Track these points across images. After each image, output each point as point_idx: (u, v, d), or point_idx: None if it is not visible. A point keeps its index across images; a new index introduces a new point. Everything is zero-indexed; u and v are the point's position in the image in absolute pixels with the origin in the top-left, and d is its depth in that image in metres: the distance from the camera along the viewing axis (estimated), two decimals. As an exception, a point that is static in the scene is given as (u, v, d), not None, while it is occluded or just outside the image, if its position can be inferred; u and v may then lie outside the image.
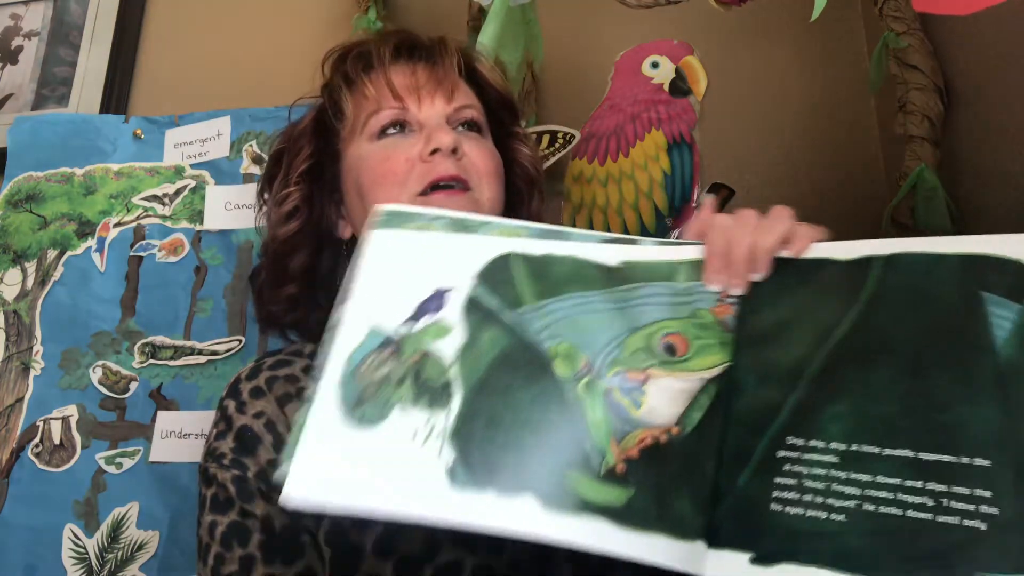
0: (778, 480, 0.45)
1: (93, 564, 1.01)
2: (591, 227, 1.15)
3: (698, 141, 1.17)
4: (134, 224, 1.18)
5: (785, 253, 0.52)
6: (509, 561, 0.56)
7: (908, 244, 0.49)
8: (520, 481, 0.45)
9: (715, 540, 0.45)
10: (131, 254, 1.17)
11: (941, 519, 0.40)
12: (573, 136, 1.19)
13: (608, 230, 1.15)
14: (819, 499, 0.43)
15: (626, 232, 1.14)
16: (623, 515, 0.44)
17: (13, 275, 1.17)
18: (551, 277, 0.53)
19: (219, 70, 1.32)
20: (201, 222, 1.18)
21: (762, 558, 0.43)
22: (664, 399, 0.48)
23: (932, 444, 0.42)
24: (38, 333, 1.14)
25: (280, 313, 0.73)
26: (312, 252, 0.72)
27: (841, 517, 0.42)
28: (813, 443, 0.45)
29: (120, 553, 1.01)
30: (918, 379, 0.44)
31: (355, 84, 0.71)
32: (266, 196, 0.76)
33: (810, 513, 0.43)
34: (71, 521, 1.03)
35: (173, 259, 1.16)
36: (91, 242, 1.18)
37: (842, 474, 0.43)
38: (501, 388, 0.48)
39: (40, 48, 1.38)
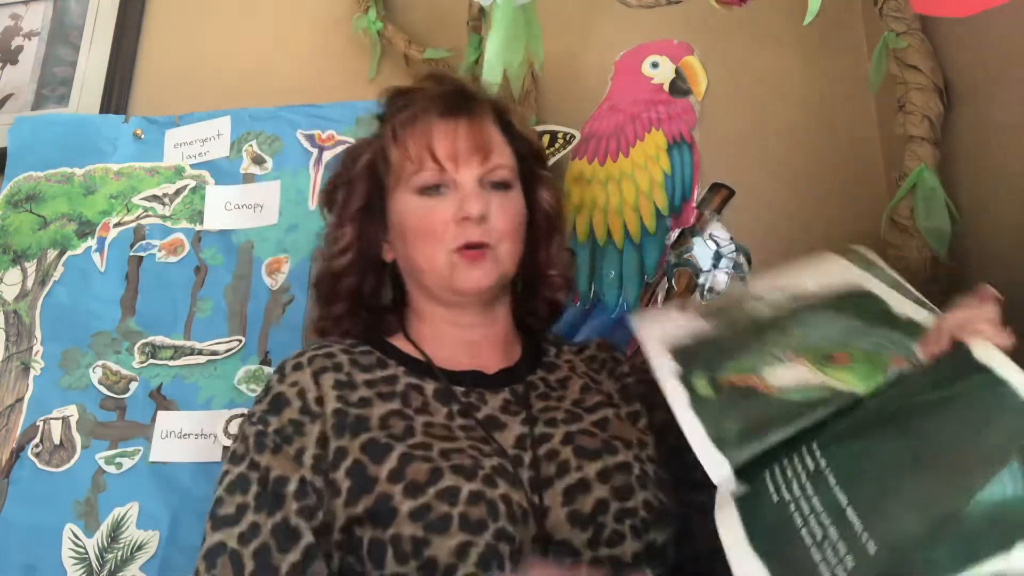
0: (782, 461, 0.55)
1: (93, 564, 1.01)
2: (591, 227, 1.15)
3: (698, 141, 1.17)
4: (134, 224, 1.18)
5: (959, 336, 0.57)
6: (501, 496, 0.64)
7: (1017, 376, 0.51)
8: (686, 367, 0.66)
9: (739, 472, 0.55)
10: (131, 254, 1.17)
11: (815, 555, 0.47)
12: (573, 136, 1.19)
13: (608, 230, 1.15)
14: (780, 483, 0.54)
15: (626, 232, 1.14)
16: (700, 405, 0.60)
17: (13, 275, 1.17)
18: (855, 305, 0.69)
19: (219, 70, 1.32)
20: (201, 222, 1.18)
21: (752, 536, 0.51)
22: (791, 375, 0.61)
23: (865, 512, 0.47)
24: (38, 333, 1.14)
25: (329, 327, 0.83)
26: (360, 276, 0.82)
27: (776, 499, 0.53)
28: (815, 450, 0.54)
29: (120, 553, 1.01)
30: (902, 463, 0.50)
31: (400, 142, 0.79)
32: (325, 212, 0.87)
33: (770, 490, 0.53)
34: (71, 521, 1.03)
35: (173, 259, 1.16)
36: (91, 242, 1.18)
37: (804, 479, 0.52)
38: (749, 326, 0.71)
39: (40, 48, 1.38)
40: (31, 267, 1.17)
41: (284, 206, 1.17)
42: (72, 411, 1.09)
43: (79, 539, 1.02)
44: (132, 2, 1.37)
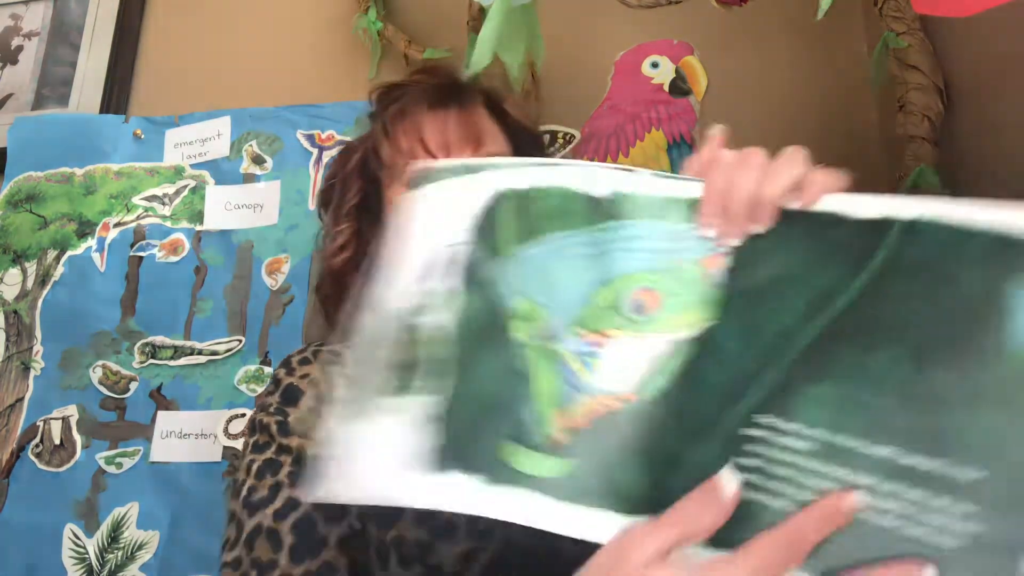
0: (741, 461, 0.40)
1: (93, 564, 1.01)
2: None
3: (698, 141, 1.17)
4: (134, 224, 1.18)
5: (793, 203, 0.45)
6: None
7: (935, 208, 0.41)
8: (462, 456, 0.43)
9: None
10: (131, 254, 1.17)
11: (908, 531, 0.36)
12: (573, 136, 1.19)
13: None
14: (783, 487, 0.38)
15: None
16: (557, 488, 0.41)
17: (13, 275, 1.17)
18: (533, 215, 0.48)
19: (219, 70, 1.32)
20: (201, 222, 1.18)
21: (712, 541, 0.38)
22: (621, 363, 0.43)
23: (922, 447, 0.37)
24: (38, 333, 1.14)
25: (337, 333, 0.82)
26: (364, 274, 0.80)
27: (795, 510, 0.38)
28: (788, 425, 0.39)
29: (120, 553, 1.01)
30: (922, 370, 0.38)
31: (391, 136, 0.77)
32: (322, 213, 0.86)
33: (772, 503, 0.38)
34: (71, 521, 1.03)
35: (173, 259, 1.16)
36: (91, 242, 1.18)
37: (813, 464, 0.38)
38: (474, 360, 0.45)
39: (40, 48, 1.38)
40: (31, 267, 1.17)
41: (284, 206, 1.17)
42: (72, 411, 1.09)
43: (79, 539, 1.02)
44: (132, 2, 1.37)
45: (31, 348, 1.13)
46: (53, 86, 1.35)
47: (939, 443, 0.36)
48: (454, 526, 0.59)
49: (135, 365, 1.11)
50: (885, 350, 0.39)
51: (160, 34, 1.37)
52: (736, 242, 0.45)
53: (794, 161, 0.47)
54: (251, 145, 1.21)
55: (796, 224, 0.44)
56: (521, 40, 0.97)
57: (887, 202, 0.43)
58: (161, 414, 1.08)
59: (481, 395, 0.44)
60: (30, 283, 1.17)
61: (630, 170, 0.48)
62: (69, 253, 1.18)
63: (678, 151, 1.16)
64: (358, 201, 0.81)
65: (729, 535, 0.38)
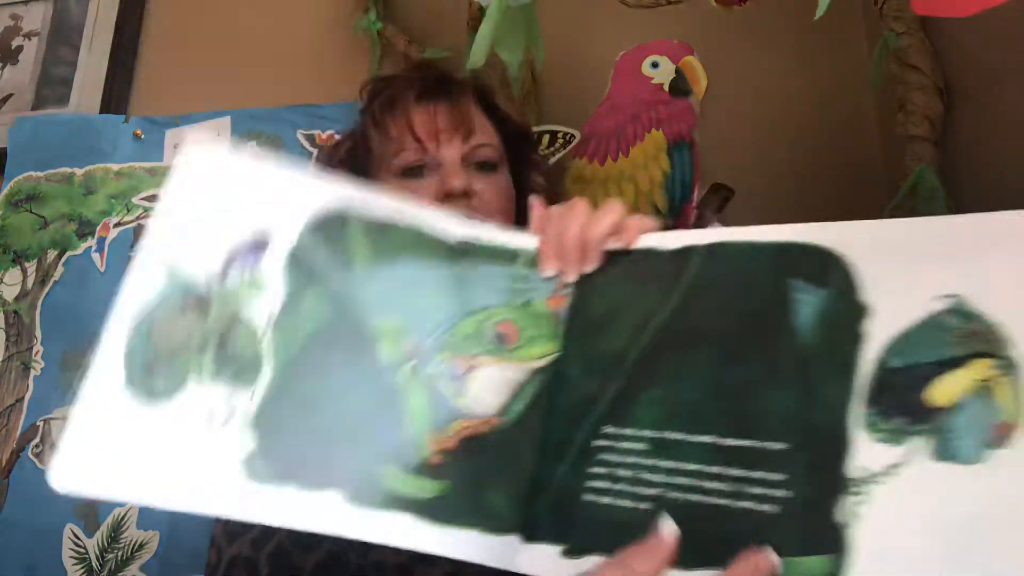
0: (592, 470, 0.44)
1: (93, 564, 1.01)
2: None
3: (698, 141, 1.17)
4: (134, 224, 1.18)
5: (613, 244, 0.52)
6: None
7: (728, 234, 0.49)
8: (327, 474, 0.42)
9: (533, 534, 0.44)
10: (131, 254, 1.17)
11: (738, 504, 0.40)
12: (573, 136, 1.19)
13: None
14: (629, 488, 0.43)
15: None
16: (434, 509, 0.43)
17: (13, 275, 1.17)
18: (389, 243, 0.48)
19: (219, 70, 1.32)
20: (201, 222, 1.18)
21: (573, 551, 0.42)
22: (488, 388, 0.47)
23: (735, 429, 0.42)
24: (38, 333, 1.14)
25: None
26: None
27: (648, 505, 0.42)
28: (626, 431, 0.44)
29: (120, 553, 1.01)
30: (729, 366, 0.44)
31: (380, 126, 0.77)
32: None
33: (620, 503, 0.43)
34: (71, 521, 1.03)
35: (173, 259, 1.16)
36: (91, 242, 1.18)
37: (650, 461, 0.43)
38: (318, 367, 0.44)
39: (40, 48, 1.38)
40: (31, 267, 1.17)
41: (284, 206, 1.17)
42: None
43: (79, 539, 1.02)
44: (132, 2, 1.37)
45: (31, 348, 1.13)
46: (53, 86, 1.35)
47: (750, 424, 0.42)
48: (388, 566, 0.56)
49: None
50: (699, 353, 0.46)
51: (160, 34, 1.37)
52: (573, 279, 0.51)
53: (611, 209, 0.54)
54: (251, 145, 1.21)
55: (619, 261, 0.51)
56: (521, 40, 0.97)
57: (688, 234, 0.50)
58: (161, 414, 1.08)
59: (347, 410, 0.44)
60: (30, 283, 1.17)
61: (477, 222, 0.53)
62: (69, 253, 1.18)
63: (678, 151, 1.16)
64: None
65: (581, 541, 0.42)
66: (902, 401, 0.40)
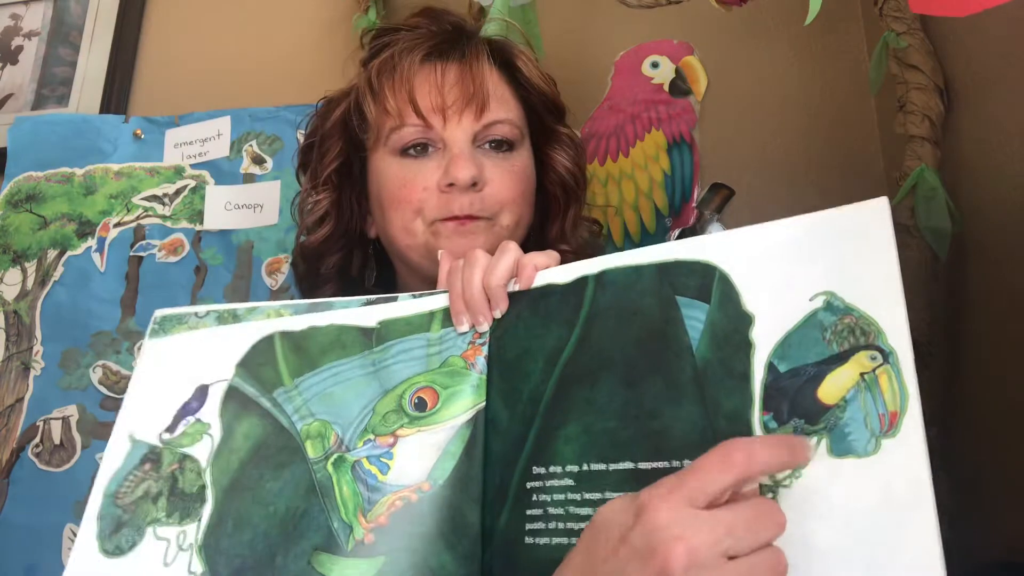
0: (529, 512, 0.45)
1: (93, 564, 1.01)
2: (592, 219, 1.15)
3: (698, 141, 1.17)
4: (134, 224, 1.18)
5: (513, 287, 0.53)
6: None
7: (613, 260, 0.49)
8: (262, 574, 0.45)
9: None
10: (131, 254, 1.17)
11: None
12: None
13: (608, 230, 1.15)
14: (562, 525, 0.43)
15: (625, 232, 1.14)
16: None
17: (13, 275, 1.17)
18: (311, 351, 0.53)
19: (219, 70, 1.32)
20: (201, 222, 1.18)
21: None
22: (412, 457, 0.48)
23: (650, 452, 0.43)
24: (38, 333, 1.14)
25: None
26: (344, 253, 0.73)
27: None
28: (552, 469, 0.45)
29: (120, 553, 1.01)
30: (632, 390, 0.45)
31: (377, 93, 0.66)
32: (302, 179, 0.77)
33: (556, 540, 0.43)
34: (71, 521, 1.03)
35: (173, 259, 1.16)
36: (91, 242, 1.18)
37: (577, 496, 0.44)
38: (252, 482, 0.48)
39: (40, 48, 1.38)
40: (31, 267, 1.17)
41: (284, 206, 1.17)
42: (72, 411, 1.09)
43: (79, 539, 1.02)
44: (132, 2, 1.37)
45: (31, 348, 1.13)
46: (53, 86, 1.35)
47: (662, 445, 0.43)
48: None
49: (135, 365, 1.11)
50: (604, 383, 0.46)
51: (160, 34, 1.37)
52: (485, 328, 0.52)
53: (505, 252, 0.53)
54: (251, 145, 1.21)
55: (522, 303, 0.52)
56: (521, 40, 0.97)
57: (580, 265, 0.51)
58: (161, 414, 1.08)
59: (279, 513, 0.47)
60: (30, 283, 1.17)
61: (393, 298, 0.55)
62: (69, 253, 1.18)
63: (678, 151, 1.16)
64: (338, 166, 0.70)
65: None
66: (795, 403, 0.40)
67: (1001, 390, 0.86)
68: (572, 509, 0.44)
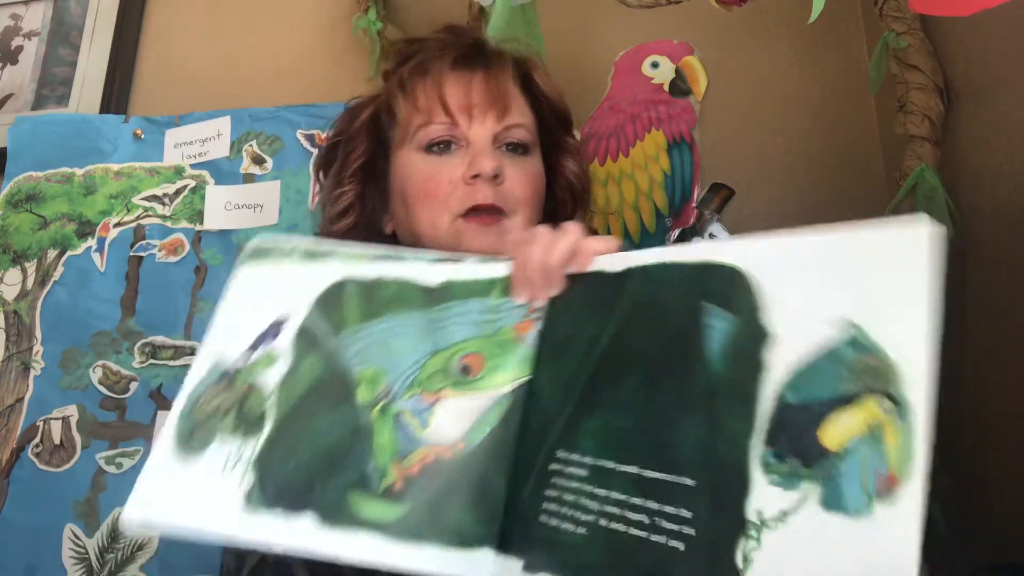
0: (547, 492, 0.46)
1: (93, 564, 1.01)
2: (591, 227, 1.15)
3: (698, 141, 1.17)
4: (134, 224, 1.18)
5: (570, 269, 0.53)
6: None
7: (658, 254, 0.49)
8: (303, 501, 0.48)
9: (505, 547, 0.46)
10: (131, 254, 1.17)
11: (653, 538, 0.41)
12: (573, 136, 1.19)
13: (608, 230, 1.15)
14: (571, 512, 0.44)
15: (626, 232, 1.14)
16: (395, 529, 0.46)
17: (13, 275, 1.17)
18: (376, 300, 0.55)
19: (219, 70, 1.32)
20: (201, 222, 1.18)
21: (530, 566, 0.44)
22: (451, 418, 0.50)
23: (655, 461, 0.42)
24: (38, 333, 1.14)
25: None
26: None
27: (583, 531, 0.43)
28: (573, 456, 0.46)
29: (120, 553, 1.01)
30: (652, 394, 0.44)
31: (409, 93, 0.72)
32: (322, 177, 0.81)
33: (564, 525, 0.44)
34: (71, 521, 1.03)
35: (173, 259, 1.16)
36: (91, 242, 1.18)
37: (588, 488, 0.44)
38: (307, 415, 0.52)
39: (40, 48, 1.38)
40: (31, 267, 1.17)
41: (284, 206, 1.17)
42: (72, 411, 1.09)
43: (79, 539, 1.02)
44: (132, 2, 1.37)
45: (31, 348, 1.13)
46: (53, 86, 1.35)
47: (665, 456, 0.42)
48: None
49: (135, 365, 1.11)
50: (629, 380, 0.46)
51: (160, 34, 1.37)
52: (542, 304, 0.53)
53: (568, 232, 0.54)
54: (251, 145, 1.21)
55: (577, 285, 0.52)
56: (520, 40, 0.97)
57: (630, 256, 0.50)
58: (161, 414, 1.08)
59: (325, 447, 0.50)
60: (30, 283, 1.17)
61: (458, 259, 0.57)
62: (69, 253, 1.18)
63: (678, 151, 1.16)
64: (363, 162, 0.75)
65: (534, 560, 0.44)
66: (797, 442, 0.38)
67: (1001, 390, 0.86)
68: (582, 500, 0.44)
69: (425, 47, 0.74)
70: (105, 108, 1.30)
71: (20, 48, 1.39)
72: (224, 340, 0.56)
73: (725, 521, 0.38)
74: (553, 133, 0.78)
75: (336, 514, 0.47)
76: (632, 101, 1.19)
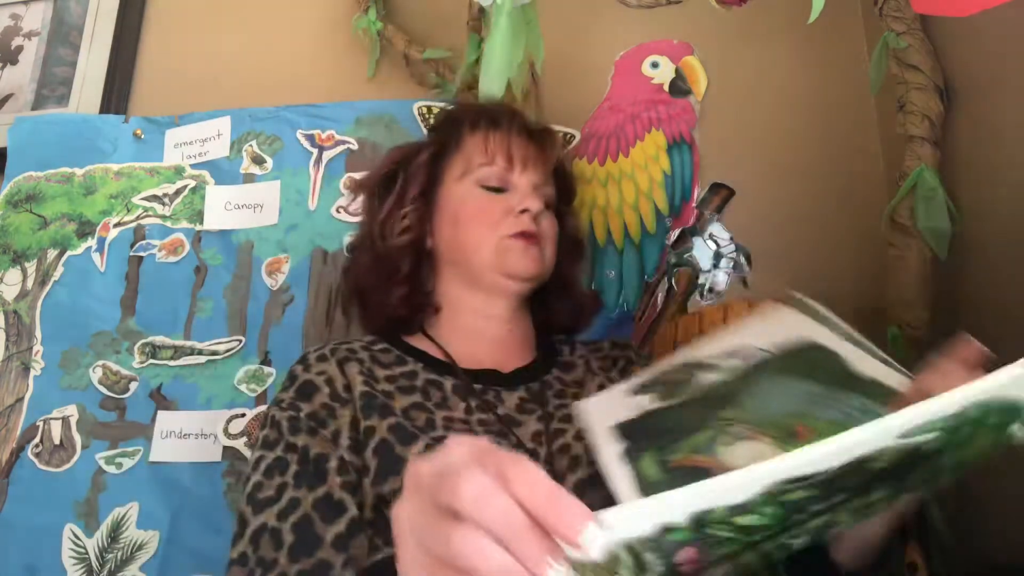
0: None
1: (93, 564, 1.01)
2: (591, 227, 1.15)
3: (698, 141, 1.17)
4: (134, 224, 1.18)
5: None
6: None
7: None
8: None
9: None
10: (131, 254, 1.17)
11: None
12: (573, 136, 1.19)
13: (608, 230, 1.15)
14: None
15: (626, 232, 1.14)
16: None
17: (13, 275, 1.17)
18: (810, 361, 0.60)
19: (219, 70, 1.32)
20: (201, 222, 1.18)
21: None
22: (743, 454, 0.52)
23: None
24: (38, 333, 1.14)
25: (391, 309, 0.85)
26: (416, 258, 0.87)
27: None
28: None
29: (120, 553, 1.01)
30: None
31: (481, 133, 0.87)
32: (375, 203, 0.90)
33: None
34: (71, 521, 1.03)
35: (173, 259, 1.16)
36: (91, 242, 1.18)
37: None
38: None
39: (40, 48, 1.38)
40: (31, 267, 1.17)
41: (284, 206, 1.17)
42: (72, 411, 1.09)
43: (79, 539, 1.02)
44: (132, 2, 1.37)
45: (31, 348, 1.13)
46: (53, 86, 1.35)
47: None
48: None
49: (135, 365, 1.11)
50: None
51: (160, 34, 1.37)
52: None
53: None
54: (251, 145, 1.21)
55: None
56: (521, 40, 0.97)
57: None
58: (161, 414, 1.08)
59: (680, 421, 0.57)
60: (30, 283, 1.17)
61: (887, 360, 0.58)
62: (69, 253, 1.17)
63: (678, 151, 1.16)
64: (420, 191, 0.88)
65: None
66: None
67: (1001, 390, 0.86)
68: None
69: (500, 110, 0.90)
70: (105, 108, 1.30)
71: (20, 48, 1.39)
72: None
73: None
74: (562, 198, 0.94)
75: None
76: (632, 101, 1.19)
